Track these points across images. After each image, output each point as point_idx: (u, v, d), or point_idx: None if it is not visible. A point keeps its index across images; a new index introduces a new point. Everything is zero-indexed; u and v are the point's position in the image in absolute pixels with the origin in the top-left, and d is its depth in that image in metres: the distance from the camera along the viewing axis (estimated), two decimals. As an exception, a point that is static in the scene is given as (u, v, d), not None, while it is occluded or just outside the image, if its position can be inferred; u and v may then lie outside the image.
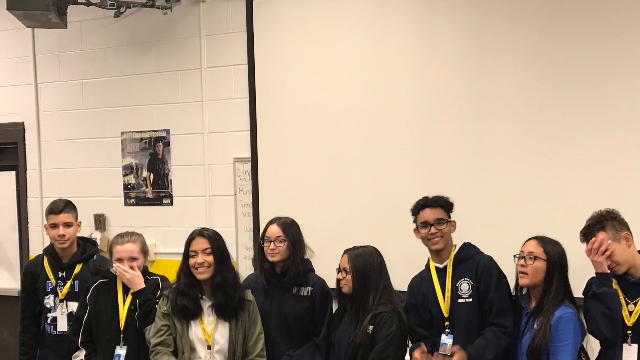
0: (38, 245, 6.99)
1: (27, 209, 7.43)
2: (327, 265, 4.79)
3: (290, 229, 4.83)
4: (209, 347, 4.52)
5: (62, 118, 7.21)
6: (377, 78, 5.86)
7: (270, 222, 4.88)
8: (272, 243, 4.76)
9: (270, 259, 4.79)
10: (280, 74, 6.22)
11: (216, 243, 4.59)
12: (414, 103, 5.76)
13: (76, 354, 4.88)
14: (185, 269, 4.56)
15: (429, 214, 4.51)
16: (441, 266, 4.57)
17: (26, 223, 7.47)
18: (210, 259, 4.52)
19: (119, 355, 4.72)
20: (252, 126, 6.35)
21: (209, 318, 4.55)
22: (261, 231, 5.09)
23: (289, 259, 4.78)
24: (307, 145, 6.12)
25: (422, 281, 4.65)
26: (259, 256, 4.92)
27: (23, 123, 7.39)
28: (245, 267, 6.32)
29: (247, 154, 6.40)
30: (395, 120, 5.82)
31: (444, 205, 4.55)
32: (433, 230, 4.48)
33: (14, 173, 7.57)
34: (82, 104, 7.11)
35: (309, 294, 4.81)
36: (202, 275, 4.51)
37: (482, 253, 4.57)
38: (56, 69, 7.22)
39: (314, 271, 4.94)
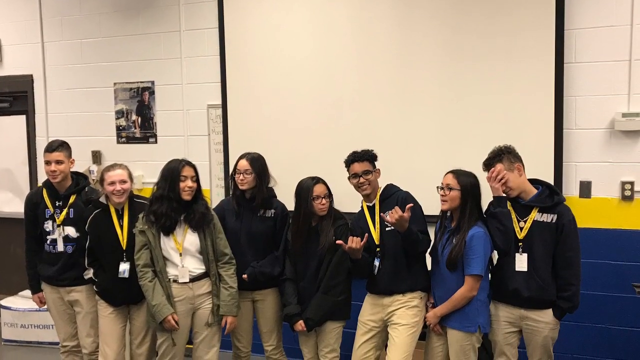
0: (45, 177, 6.92)
1: (36, 147, 7.41)
2: (287, 191, 4.93)
3: (257, 162, 4.95)
4: (181, 254, 4.69)
5: (65, 71, 7.20)
6: (326, 37, 5.94)
7: (241, 157, 5.00)
8: (242, 174, 4.92)
9: (240, 187, 4.95)
10: (246, 35, 6.24)
11: (197, 173, 4.74)
12: (355, 61, 5.85)
13: (86, 272, 5.03)
14: (177, 190, 4.63)
15: (357, 167, 4.65)
16: (370, 204, 4.74)
17: (34, 158, 7.46)
18: (195, 184, 4.68)
19: (124, 270, 4.84)
20: (222, 78, 6.38)
21: (180, 229, 4.71)
22: (232, 165, 5.20)
23: (256, 187, 4.93)
24: (268, 94, 6.18)
25: (359, 218, 4.80)
26: (232, 184, 5.04)
27: (32, 75, 7.36)
28: (217, 194, 6.45)
29: (219, 101, 6.44)
30: (336, 72, 5.91)
31: (369, 158, 4.68)
32: (361, 180, 4.64)
33: (24, 117, 7.55)
34: (81, 59, 7.10)
35: (272, 215, 4.99)
36: (188, 196, 4.66)
37: (401, 190, 4.71)
38: (59, 30, 7.17)
39: (276, 197, 5.09)
